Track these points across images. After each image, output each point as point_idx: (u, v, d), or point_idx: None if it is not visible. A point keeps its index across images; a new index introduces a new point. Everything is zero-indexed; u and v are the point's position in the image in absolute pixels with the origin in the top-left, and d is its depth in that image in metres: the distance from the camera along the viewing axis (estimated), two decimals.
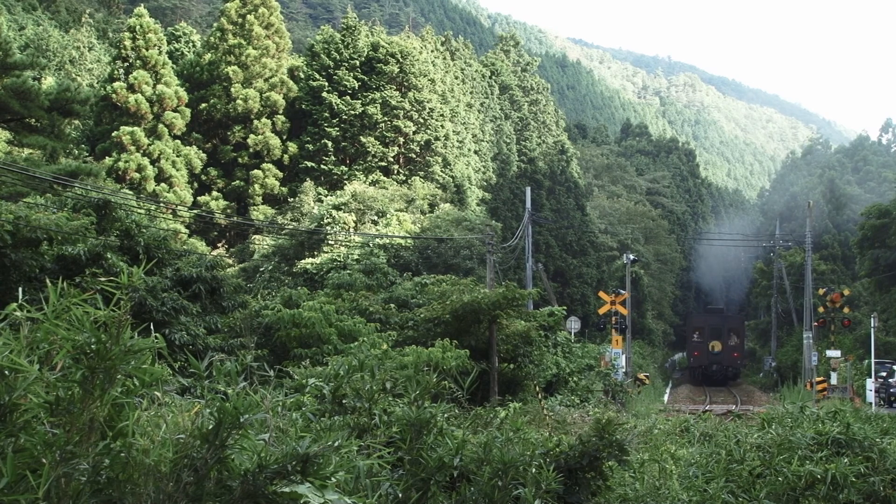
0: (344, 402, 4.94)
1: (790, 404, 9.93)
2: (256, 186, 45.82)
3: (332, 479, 3.01)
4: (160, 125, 42.49)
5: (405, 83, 47.76)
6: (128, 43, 43.05)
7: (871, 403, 29.58)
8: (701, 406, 32.73)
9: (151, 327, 3.31)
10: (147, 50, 42.75)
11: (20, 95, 22.38)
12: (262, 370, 4.58)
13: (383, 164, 46.62)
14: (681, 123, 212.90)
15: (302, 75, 48.69)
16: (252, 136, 46.33)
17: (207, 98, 46.70)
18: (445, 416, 4.77)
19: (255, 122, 46.50)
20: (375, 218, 39.46)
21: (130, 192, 34.14)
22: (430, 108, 47.50)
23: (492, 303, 20.52)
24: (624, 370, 35.98)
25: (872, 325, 34.05)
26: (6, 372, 2.64)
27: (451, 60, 56.92)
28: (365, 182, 43.40)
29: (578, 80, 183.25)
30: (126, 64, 42.87)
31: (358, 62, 47.96)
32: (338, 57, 47.90)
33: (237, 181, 46.36)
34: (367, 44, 48.50)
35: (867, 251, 47.25)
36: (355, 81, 47.30)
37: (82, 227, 15.84)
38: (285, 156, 47.04)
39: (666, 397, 40.52)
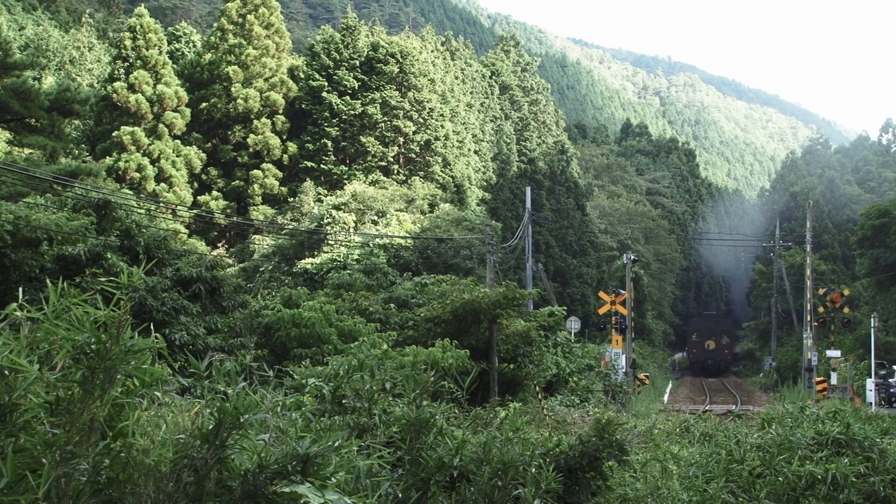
0: (344, 402, 4.94)
1: (790, 404, 9.93)
2: (256, 186, 45.84)
3: (332, 479, 3.01)
4: (160, 125, 42.50)
5: (405, 83, 47.77)
6: (128, 43, 43.07)
7: (871, 403, 29.58)
8: (701, 406, 32.72)
9: (151, 327, 3.31)
10: (147, 50, 42.77)
11: (20, 95, 22.37)
12: (262, 370, 4.58)
13: (383, 164, 46.64)
14: (681, 123, 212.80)
15: (302, 75, 48.71)
16: (252, 135, 46.34)
17: (207, 98, 46.72)
18: (445, 416, 4.77)
19: (255, 121, 46.51)
20: (375, 218, 39.46)
21: (130, 192, 34.16)
22: (430, 108, 47.50)
23: (492, 303, 20.52)
24: (624, 370, 35.96)
25: (872, 325, 34.03)
26: (6, 372, 2.64)
27: (451, 60, 56.93)
28: (365, 182, 43.41)
29: (578, 80, 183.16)
30: (126, 64, 42.89)
31: (358, 62, 47.98)
32: (338, 57, 47.92)
33: (237, 181, 46.38)
34: (366, 44, 48.52)
35: (867, 251, 47.22)
36: (355, 81, 47.31)
37: (82, 227, 15.83)
38: (285, 156, 47.06)
39: (666, 397, 40.50)
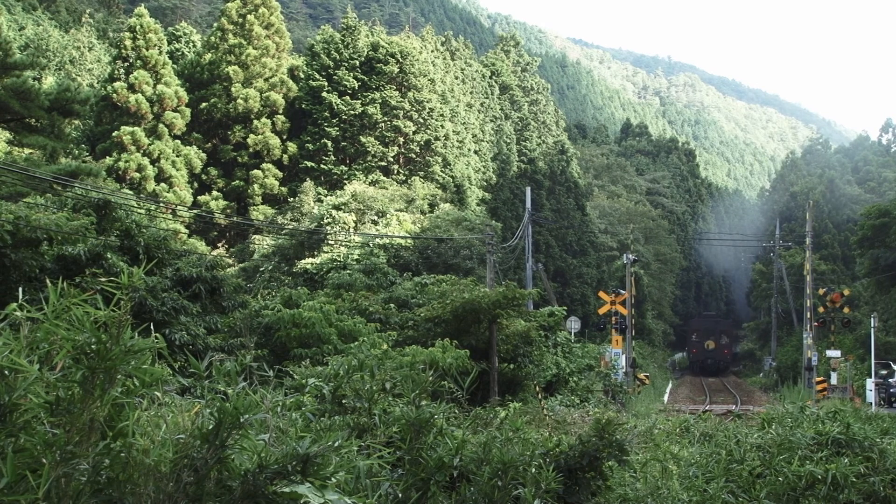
0: (344, 402, 4.95)
1: (790, 404, 9.92)
2: (256, 186, 45.85)
3: (332, 479, 3.01)
4: (160, 125, 42.51)
5: (405, 83, 47.78)
6: (128, 43, 43.08)
7: (871, 403, 29.58)
8: (701, 406, 32.71)
9: (151, 327, 3.31)
10: (147, 50, 42.77)
11: (20, 95, 22.37)
12: (262, 370, 4.58)
13: (383, 164, 46.65)
14: (681, 123, 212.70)
15: (302, 75, 48.71)
16: (252, 135, 46.35)
17: (207, 98, 46.72)
18: (445, 416, 4.77)
19: (255, 121, 46.51)
20: (375, 218, 39.46)
21: (130, 192, 34.16)
22: (430, 108, 47.51)
23: (492, 303, 20.51)
24: (624, 370, 35.97)
25: (872, 325, 34.03)
26: (6, 372, 2.64)
27: (451, 60, 56.94)
28: (365, 182, 43.41)
29: (578, 80, 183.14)
30: (126, 64, 42.90)
31: (358, 62, 47.98)
32: (338, 57, 47.93)
33: (237, 181, 46.39)
34: (366, 44, 48.52)
35: (867, 251, 47.19)
36: (355, 81, 47.32)
37: (82, 227, 15.83)
38: (285, 156, 47.06)
39: (666, 397, 40.49)
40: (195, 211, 42.11)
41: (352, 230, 38.15)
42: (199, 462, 2.86)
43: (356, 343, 14.19)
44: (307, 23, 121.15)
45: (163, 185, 41.63)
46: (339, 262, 34.15)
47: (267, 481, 2.87)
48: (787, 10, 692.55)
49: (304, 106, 47.43)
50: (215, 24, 51.83)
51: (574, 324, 38.94)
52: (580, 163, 72.10)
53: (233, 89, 46.32)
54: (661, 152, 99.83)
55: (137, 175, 40.61)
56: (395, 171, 46.90)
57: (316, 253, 36.88)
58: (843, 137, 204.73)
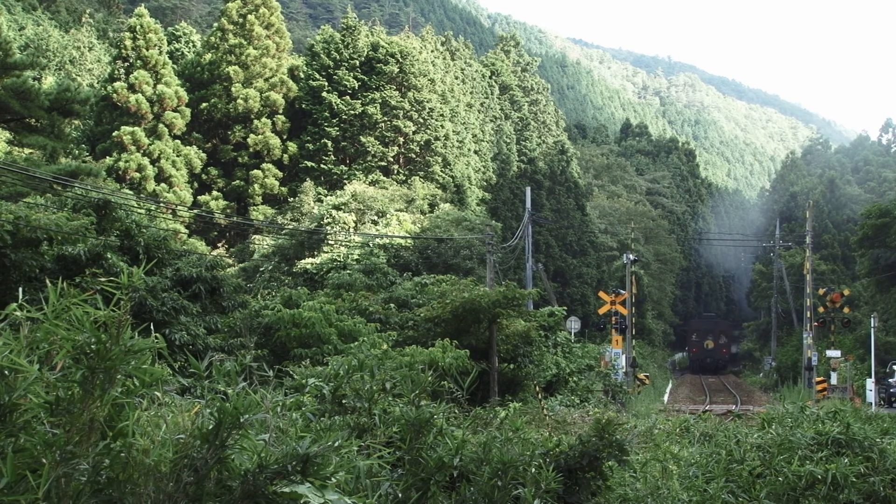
0: (344, 402, 4.94)
1: (790, 404, 9.91)
2: (256, 186, 45.85)
3: (332, 479, 3.01)
4: (160, 125, 42.51)
5: (405, 83, 47.79)
6: (128, 43, 43.09)
7: (871, 403, 29.58)
8: (701, 406, 32.70)
9: (151, 327, 3.30)
10: (147, 50, 42.78)
11: (20, 95, 22.36)
12: (261, 370, 4.58)
13: (383, 164, 46.67)
14: (681, 123, 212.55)
15: (302, 75, 48.72)
16: (252, 135, 46.35)
17: (207, 98, 46.73)
18: (445, 416, 4.77)
19: (255, 121, 46.52)
20: (375, 218, 39.46)
21: (130, 192, 34.16)
22: (429, 108, 47.52)
23: (492, 302, 20.52)
24: (624, 370, 35.97)
25: (872, 325, 34.03)
26: (6, 372, 2.64)
27: (451, 60, 56.95)
28: (365, 182, 43.43)
29: (578, 80, 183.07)
30: (126, 64, 42.91)
31: (358, 62, 48.00)
32: (338, 57, 47.95)
33: (237, 181, 46.39)
34: (366, 44, 48.54)
35: (867, 251, 47.20)
36: (355, 81, 47.33)
37: (82, 227, 15.83)
38: (285, 156, 47.07)
39: (666, 397, 40.49)
40: (195, 211, 42.11)
41: (352, 230, 38.16)
42: (199, 462, 2.85)
43: (356, 343, 14.18)
44: (307, 23, 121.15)
45: (163, 185, 41.65)
46: (339, 262, 34.15)
47: (267, 481, 2.87)
48: (787, 10, 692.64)
49: (304, 106, 47.45)
50: (215, 24, 51.83)
51: (574, 324, 38.94)
52: (580, 163, 72.08)
53: (233, 89, 46.33)
54: (661, 152, 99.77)
55: (137, 175, 40.62)
56: (395, 171, 46.92)
57: (316, 253, 36.89)
58: (843, 137, 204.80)
